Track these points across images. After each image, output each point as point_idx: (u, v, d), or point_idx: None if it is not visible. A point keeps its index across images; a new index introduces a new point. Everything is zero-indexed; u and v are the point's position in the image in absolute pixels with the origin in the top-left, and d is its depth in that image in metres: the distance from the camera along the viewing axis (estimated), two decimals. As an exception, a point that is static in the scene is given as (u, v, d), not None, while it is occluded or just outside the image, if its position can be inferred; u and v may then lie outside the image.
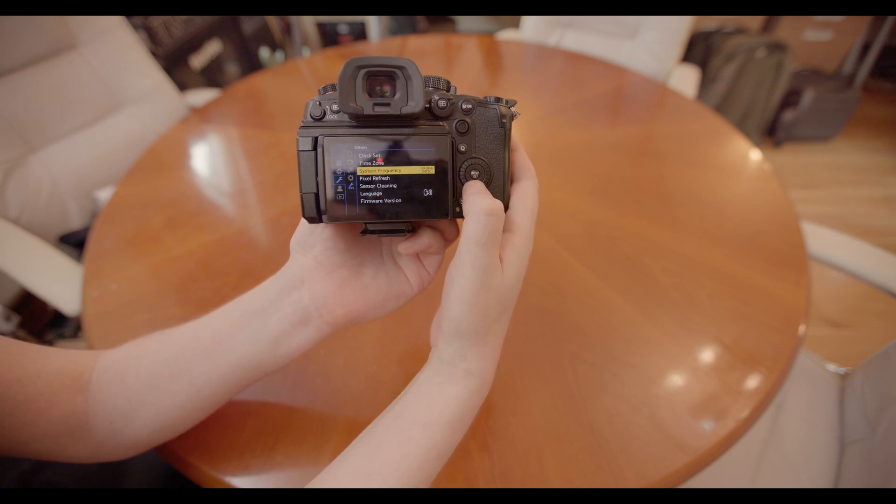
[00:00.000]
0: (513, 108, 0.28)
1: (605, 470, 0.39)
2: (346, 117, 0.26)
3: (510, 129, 0.28)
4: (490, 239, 0.25)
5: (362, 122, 0.26)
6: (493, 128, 0.28)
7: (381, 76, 0.25)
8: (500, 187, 0.28)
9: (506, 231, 0.28)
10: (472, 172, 0.27)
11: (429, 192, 0.27)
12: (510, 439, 0.41)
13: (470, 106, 0.27)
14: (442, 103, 0.27)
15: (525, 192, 0.28)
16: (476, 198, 0.26)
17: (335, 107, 0.26)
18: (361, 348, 0.49)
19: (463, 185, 0.28)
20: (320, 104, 0.26)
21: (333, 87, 0.27)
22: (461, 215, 0.28)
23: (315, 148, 0.26)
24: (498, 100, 0.28)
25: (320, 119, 0.26)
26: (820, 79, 1.91)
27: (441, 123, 0.27)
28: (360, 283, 0.32)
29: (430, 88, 0.27)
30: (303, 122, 0.26)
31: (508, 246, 0.27)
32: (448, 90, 0.28)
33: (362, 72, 0.25)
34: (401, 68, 0.25)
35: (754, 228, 0.62)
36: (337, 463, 0.28)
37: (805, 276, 0.55)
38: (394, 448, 0.27)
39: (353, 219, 0.27)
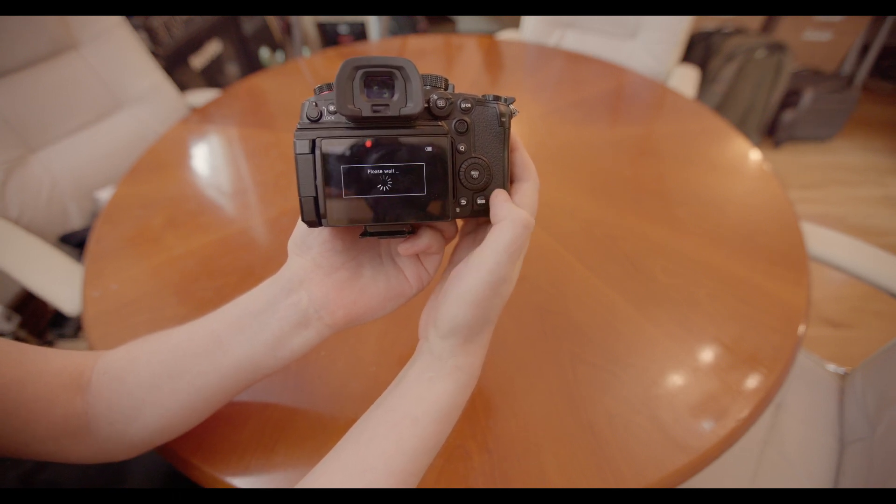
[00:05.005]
0: (511, 106, 0.28)
1: (604, 470, 0.39)
2: (343, 118, 0.26)
3: (509, 128, 0.28)
4: (520, 251, 0.26)
5: (360, 123, 0.26)
6: (492, 127, 0.27)
7: (379, 76, 0.25)
8: (500, 187, 0.28)
9: None
10: (472, 172, 0.27)
11: (429, 194, 0.27)
12: (510, 439, 0.41)
13: (469, 105, 0.27)
14: (441, 103, 0.26)
15: (525, 194, 0.28)
16: (509, 205, 0.26)
17: (332, 107, 0.26)
18: (362, 349, 0.49)
19: (463, 185, 0.28)
20: (316, 105, 0.26)
21: (329, 86, 0.27)
22: (461, 216, 0.28)
23: (313, 150, 0.25)
24: (497, 98, 0.28)
25: (317, 120, 0.26)
26: (819, 79, 1.91)
27: (440, 123, 0.27)
28: (359, 284, 0.32)
29: (428, 87, 0.27)
30: (299, 123, 0.26)
31: None
32: (446, 88, 0.28)
33: (360, 72, 0.24)
34: (399, 68, 0.25)
35: (754, 228, 0.62)
36: (330, 458, 0.28)
37: (805, 276, 0.55)
38: (386, 443, 0.27)
39: (352, 222, 0.27)
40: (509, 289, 0.28)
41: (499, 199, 0.27)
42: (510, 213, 0.26)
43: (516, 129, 0.28)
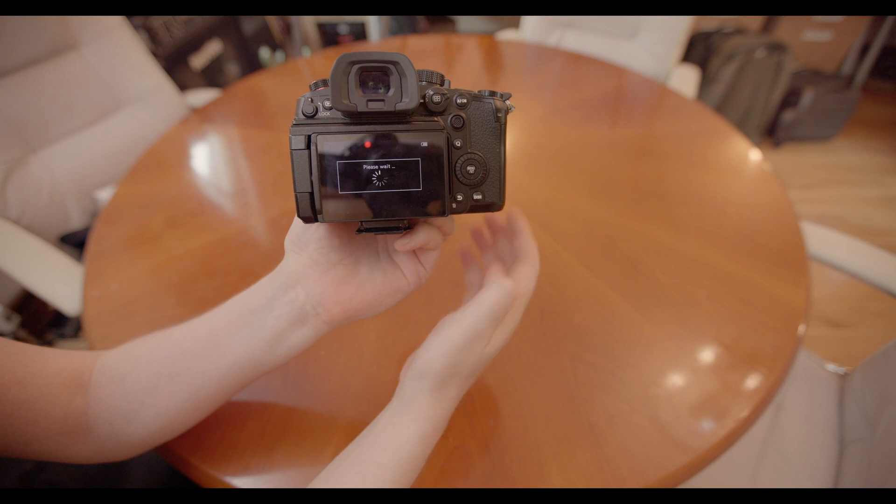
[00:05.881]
0: (508, 102, 0.28)
1: (604, 470, 0.39)
2: (338, 114, 0.26)
3: (506, 123, 0.28)
4: (502, 314, 0.29)
5: (356, 118, 0.26)
6: (488, 122, 0.27)
7: (375, 71, 0.25)
8: (496, 183, 0.28)
9: None
10: (469, 168, 0.27)
11: (425, 189, 0.26)
12: (510, 439, 0.41)
13: (465, 100, 0.27)
14: (437, 98, 0.26)
15: (523, 275, 0.32)
16: (501, 275, 0.30)
17: (327, 103, 0.26)
18: (361, 349, 0.49)
19: (460, 180, 0.27)
20: (312, 101, 0.26)
21: (325, 82, 0.26)
22: (457, 211, 0.28)
23: (308, 146, 0.25)
24: (493, 93, 0.28)
25: (312, 116, 0.26)
26: (819, 79, 1.91)
27: (436, 119, 0.27)
28: (356, 280, 0.32)
29: (424, 83, 0.27)
30: (295, 119, 0.26)
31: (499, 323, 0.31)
32: (442, 84, 0.27)
33: (355, 67, 0.24)
34: (394, 63, 0.24)
35: (754, 228, 0.62)
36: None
37: (805, 276, 0.55)
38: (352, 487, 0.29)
39: (348, 218, 0.26)
40: (486, 350, 0.30)
41: (493, 269, 0.32)
42: (498, 279, 0.29)
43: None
